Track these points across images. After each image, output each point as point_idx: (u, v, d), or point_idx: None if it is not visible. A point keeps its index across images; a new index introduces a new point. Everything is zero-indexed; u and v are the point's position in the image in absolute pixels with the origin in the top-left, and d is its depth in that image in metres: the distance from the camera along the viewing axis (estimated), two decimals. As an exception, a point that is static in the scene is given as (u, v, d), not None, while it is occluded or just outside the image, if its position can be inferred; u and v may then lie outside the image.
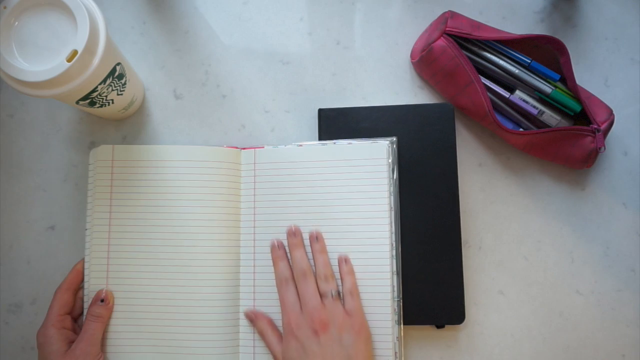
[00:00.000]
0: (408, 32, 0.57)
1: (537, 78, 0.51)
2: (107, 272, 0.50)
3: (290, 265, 0.49)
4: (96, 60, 0.42)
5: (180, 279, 0.49)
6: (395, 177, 0.51)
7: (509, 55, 0.51)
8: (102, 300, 0.48)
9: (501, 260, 0.54)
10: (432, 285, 0.50)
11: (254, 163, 0.52)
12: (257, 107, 0.56)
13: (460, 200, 0.53)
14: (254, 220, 0.51)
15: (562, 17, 0.57)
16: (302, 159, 0.51)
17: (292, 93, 0.57)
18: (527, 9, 0.57)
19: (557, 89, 0.51)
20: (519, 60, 0.51)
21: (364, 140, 0.51)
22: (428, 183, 0.52)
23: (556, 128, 0.50)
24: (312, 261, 0.49)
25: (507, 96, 0.51)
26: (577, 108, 0.50)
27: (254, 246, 0.51)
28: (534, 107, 0.51)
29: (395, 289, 0.49)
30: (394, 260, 0.49)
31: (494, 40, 0.51)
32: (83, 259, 0.51)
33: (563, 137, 0.50)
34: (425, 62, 0.53)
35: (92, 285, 0.49)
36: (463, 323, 0.51)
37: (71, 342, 0.47)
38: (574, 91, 0.50)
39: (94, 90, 0.45)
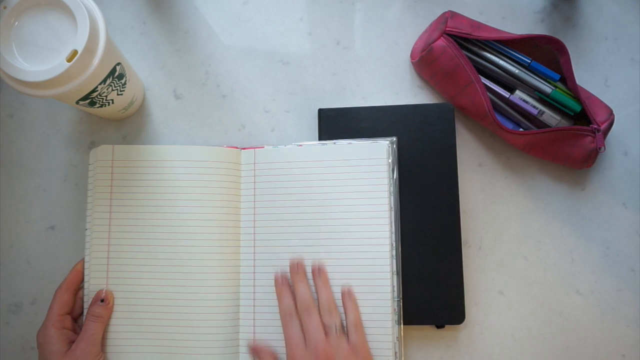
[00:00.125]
0: (408, 32, 0.57)
1: (537, 78, 0.51)
2: (107, 272, 0.50)
3: (294, 299, 0.48)
4: (96, 60, 0.42)
5: (180, 279, 0.49)
6: (395, 177, 0.51)
7: (509, 55, 0.51)
8: (102, 300, 0.48)
9: (501, 260, 0.54)
10: (432, 285, 0.50)
11: (254, 163, 0.52)
12: (257, 107, 0.56)
13: (460, 200, 0.53)
14: (254, 221, 0.51)
15: (562, 17, 0.57)
16: (302, 159, 0.51)
17: (292, 93, 0.57)
18: (527, 9, 0.57)
19: (557, 89, 0.51)
20: (519, 60, 0.51)
21: (364, 140, 0.51)
22: (428, 183, 0.52)
23: (556, 128, 0.50)
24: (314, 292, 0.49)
25: (507, 96, 0.51)
26: (577, 108, 0.50)
27: (253, 246, 0.51)
28: (534, 107, 0.51)
29: (395, 289, 0.49)
30: (394, 260, 0.49)
31: (494, 40, 0.51)
32: (83, 259, 0.51)
33: (563, 137, 0.50)
34: (425, 62, 0.53)
35: (92, 285, 0.49)
36: (463, 323, 0.51)
37: (71, 342, 0.47)
38: (574, 91, 0.50)
39: (94, 90, 0.45)
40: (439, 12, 0.55)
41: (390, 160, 0.50)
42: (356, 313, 0.48)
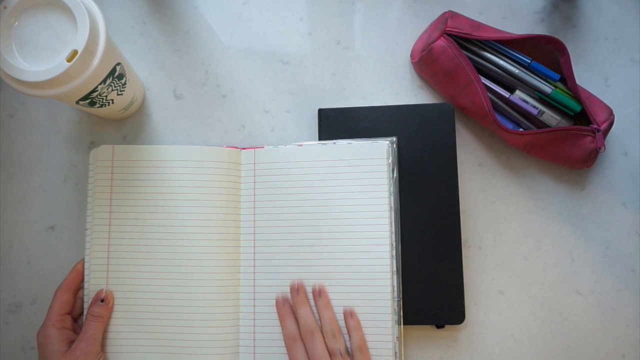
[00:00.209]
0: (408, 32, 0.57)
1: (537, 78, 0.51)
2: (107, 272, 0.50)
3: (297, 322, 0.48)
4: (96, 60, 0.42)
5: (180, 279, 0.49)
6: (395, 177, 0.51)
7: (509, 55, 0.51)
8: (102, 300, 0.48)
9: (501, 260, 0.54)
10: (432, 285, 0.50)
11: (254, 163, 0.52)
12: (257, 107, 0.56)
13: (460, 200, 0.53)
14: (254, 221, 0.51)
15: (562, 17, 0.57)
16: (302, 158, 0.51)
17: (292, 93, 0.57)
18: (527, 9, 0.57)
19: (557, 89, 0.51)
20: (519, 60, 0.51)
21: (364, 140, 0.51)
22: (428, 183, 0.52)
23: (556, 128, 0.50)
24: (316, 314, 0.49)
25: (507, 96, 0.51)
26: (577, 108, 0.50)
27: (254, 246, 0.51)
28: (534, 107, 0.51)
29: (395, 289, 0.49)
30: (394, 260, 0.49)
31: (494, 40, 0.51)
32: (83, 259, 0.51)
33: (563, 137, 0.50)
34: (425, 62, 0.53)
35: (92, 285, 0.49)
36: (463, 323, 0.51)
37: (71, 342, 0.47)
38: (574, 91, 0.50)
39: (94, 90, 0.45)
40: (439, 12, 0.55)
41: (390, 160, 0.50)
42: (360, 334, 0.47)
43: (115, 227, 0.50)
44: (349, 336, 0.47)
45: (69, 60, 0.40)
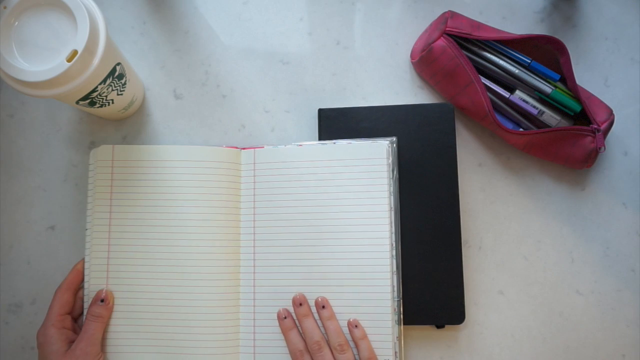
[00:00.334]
0: (408, 32, 0.57)
1: (537, 78, 0.51)
2: (107, 272, 0.50)
3: (301, 335, 0.48)
4: (96, 60, 0.42)
5: (180, 279, 0.49)
6: (395, 177, 0.51)
7: (509, 55, 0.51)
8: (102, 300, 0.48)
9: (501, 260, 0.54)
10: (432, 285, 0.50)
11: (254, 163, 0.52)
12: (257, 107, 0.56)
13: (460, 200, 0.53)
14: (254, 221, 0.51)
15: (562, 17, 0.57)
16: (302, 158, 0.51)
17: (292, 93, 0.57)
18: (527, 9, 0.57)
19: (557, 89, 0.51)
20: (519, 60, 0.51)
21: (364, 140, 0.51)
22: (428, 183, 0.52)
23: (556, 128, 0.50)
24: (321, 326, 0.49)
25: (507, 96, 0.51)
26: (577, 108, 0.50)
27: (254, 246, 0.51)
28: (534, 107, 0.51)
29: (395, 289, 0.49)
30: (394, 260, 0.49)
31: (494, 40, 0.51)
32: (83, 259, 0.51)
33: (563, 137, 0.50)
34: (425, 62, 0.53)
35: (92, 285, 0.49)
36: (463, 323, 0.51)
37: (71, 342, 0.47)
38: (574, 91, 0.50)
39: (94, 90, 0.45)
40: (439, 12, 0.55)
41: (390, 160, 0.50)
42: (368, 344, 0.47)
43: (116, 227, 0.50)
44: (357, 347, 0.47)
45: (69, 60, 0.40)
